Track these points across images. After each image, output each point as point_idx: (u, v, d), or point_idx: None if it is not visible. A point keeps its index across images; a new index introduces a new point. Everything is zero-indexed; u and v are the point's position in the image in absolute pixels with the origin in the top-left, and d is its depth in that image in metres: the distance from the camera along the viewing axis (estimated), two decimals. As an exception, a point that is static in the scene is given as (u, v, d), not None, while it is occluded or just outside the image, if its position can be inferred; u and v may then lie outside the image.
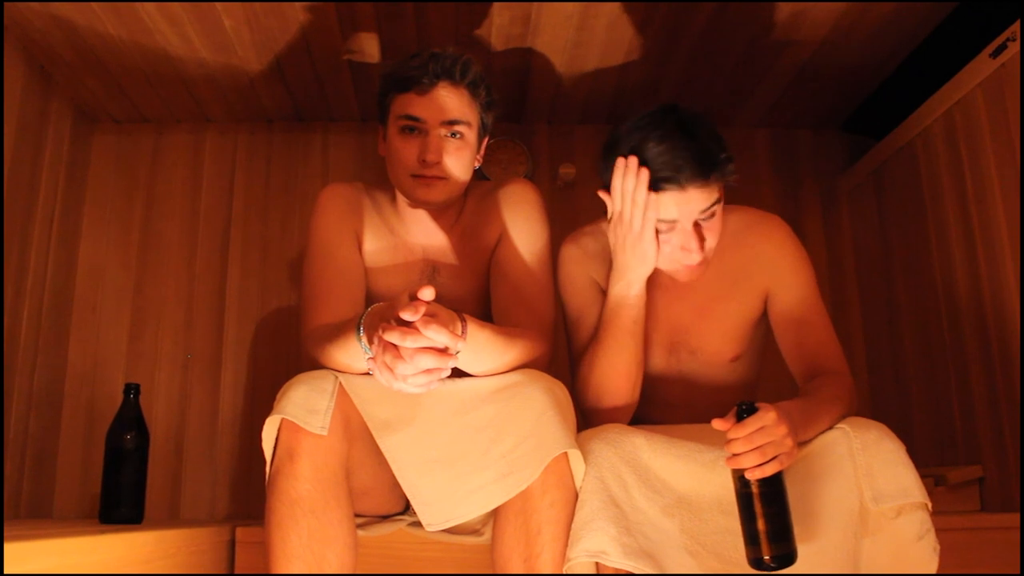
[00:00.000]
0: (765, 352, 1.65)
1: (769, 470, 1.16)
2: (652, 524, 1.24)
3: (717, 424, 1.20)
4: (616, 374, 1.43)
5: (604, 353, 1.44)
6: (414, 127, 1.47)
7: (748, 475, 1.16)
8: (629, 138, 1.40)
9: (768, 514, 1.15)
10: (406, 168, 1.48)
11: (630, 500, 1.24)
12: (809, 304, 1.49)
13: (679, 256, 1.42)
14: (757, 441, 1.16)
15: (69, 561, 1.05)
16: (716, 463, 1.29)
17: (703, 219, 1.40)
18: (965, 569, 1.47)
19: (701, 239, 1.40)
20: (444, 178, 1.48)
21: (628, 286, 1.43)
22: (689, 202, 1.37)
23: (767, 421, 1.17)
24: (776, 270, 1.51)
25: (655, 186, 1.37)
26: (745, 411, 1.20)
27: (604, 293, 1.51)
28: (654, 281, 1.53)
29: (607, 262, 1.53)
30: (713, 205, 1.39)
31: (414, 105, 1.46)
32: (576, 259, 1.59)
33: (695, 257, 1.41)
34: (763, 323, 1.57)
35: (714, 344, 1.55)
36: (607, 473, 1.24)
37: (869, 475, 1.21)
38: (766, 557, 1.15)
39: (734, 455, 1.17)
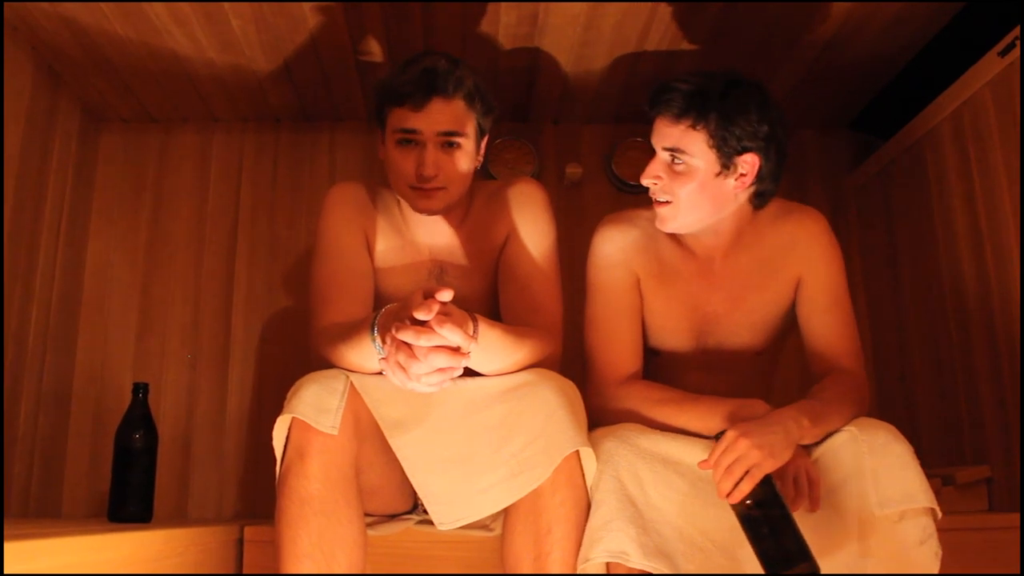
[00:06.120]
0: (781, 354, 1.65)
1: (745, 487, 1.17)
2: (667, 522, 1.25)
3: (702, 466, 1.24)
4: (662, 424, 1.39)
5: (667, 418, 1.39)
6: (411, 139, 1.47)
7: (729, 500, 1.18)
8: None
9: (775, 532, 1.15)
10: (405, 179, 1.48)
11: (646, 499, 1.25)
12: (836, 297, 1.51)
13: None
14: (725, 464, 1.19)
15: (78, 560, 1.04)
16: None
17: (670, 157, 1.43)
18: (973, 569, 1.46)
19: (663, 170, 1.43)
20: (443, 188, 1.48)
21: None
22: (658, 132, 1.44)
23: (727, 441, 1.20)
24: (809, 259, 1.52)
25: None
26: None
27: (640, 284, 1.52)
28: (689, 266, 1.53)
29: (650, 252, 1.53)
30: (680, 148, 1.41)
31: (409, 119, 1.45)
32: (618, 244, 1.54)
33: (655, 189, 1.44)
34: (789, 316, 1.56)
35: (743, 337, 1.55)
36: (623, 471, 1.25)
37: (875, 479, 1.22)
38: None
39: (719, 486, 1.20)
